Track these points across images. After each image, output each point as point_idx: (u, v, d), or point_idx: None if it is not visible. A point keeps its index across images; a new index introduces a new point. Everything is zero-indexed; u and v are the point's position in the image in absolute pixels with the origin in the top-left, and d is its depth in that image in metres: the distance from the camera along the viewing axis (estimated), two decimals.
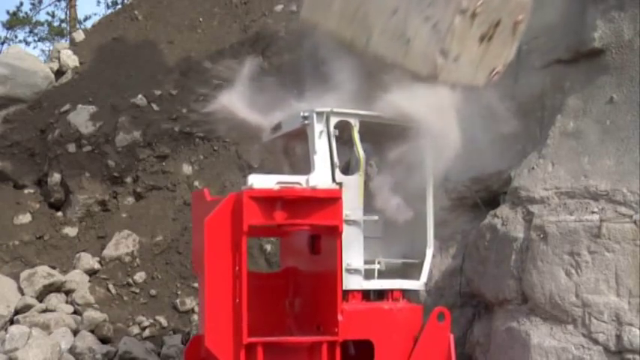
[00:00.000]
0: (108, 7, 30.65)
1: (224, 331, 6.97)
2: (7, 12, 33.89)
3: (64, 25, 30.89)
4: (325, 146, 7.34)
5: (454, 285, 9.36)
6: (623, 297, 7.66)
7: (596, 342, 7.72)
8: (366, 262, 7.45)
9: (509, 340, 8.24)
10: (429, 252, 7.75)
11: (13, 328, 10.95)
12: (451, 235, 9.47)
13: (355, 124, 7.50)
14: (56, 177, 13.82)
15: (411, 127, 7.49)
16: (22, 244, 13.18)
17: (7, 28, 30.85)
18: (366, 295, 7.48)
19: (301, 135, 7.66)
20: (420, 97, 7.45)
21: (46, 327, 11.37)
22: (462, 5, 7.30)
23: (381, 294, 7.57)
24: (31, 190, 14.07)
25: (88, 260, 12.78)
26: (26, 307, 11.76)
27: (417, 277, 7.69)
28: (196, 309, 11.71)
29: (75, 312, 11.99)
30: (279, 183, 7.13)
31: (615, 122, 8.31)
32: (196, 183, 13.28)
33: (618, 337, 7.63)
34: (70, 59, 15.45)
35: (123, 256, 12.83)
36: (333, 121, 7.41)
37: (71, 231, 13.46)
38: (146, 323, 11.93)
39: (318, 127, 7.36)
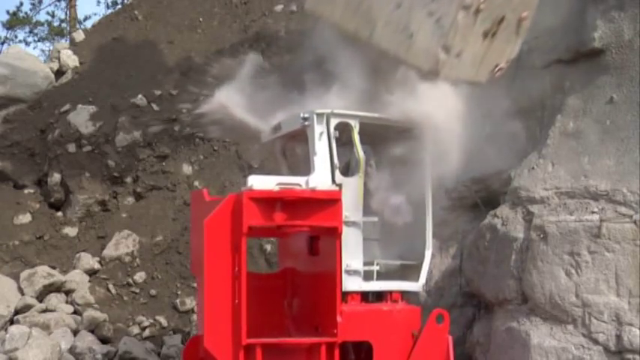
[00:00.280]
0: (108, 7, 30.68)
1: (223, 332, 6.97)
2: (7, 12, 33.93)
3: (64, 25, 30.90)
4: (325, 148, 7.34)
5: (454, 285, 9.36)
6: (623, 297, 7.66)
7: (596, 342, 7.72)
8: (364, 264, 7.44)
9: (509, 340, 8.23)
10: (428, 253, 7.75)
11: (13, 328, 10.96)
12: (451, 235, 9.47)
13: (355, 125, 7.49)
14: (56, 177, 13.83)
15: (411, 129, 7.49)
16: (22, 244, 13.18)
17: (7, 28, 30.90)
18: (364, 296, 7.48)
19: (301, 136, 7.65)
20: (426, 99, 7.44)
21: (46, 327, 11.38)
22: (466, 1, 7.30)
23: (379, 295, 7.57)
24: (31, 190, 14.08)
25: (88, 260, 12.79)
26: (26, 307, 11.76)
27: (416, 278, 7.68)
28: (196, 309, 11.71)
29: (75, 312, 11.99)
30: (278, 184, 7.12)
31: (615, 122, 8.31)
32: (196, 183, 13.28)
33: (618, 337, 7.63)
34: (70, 59, 15.46)
35: (123, 256, 12.83)
36: (333, 122, 7.40)
37: (71, 231, 13.46)
38: (146, 323, 11.94)
39: (319, 128, 7.35)
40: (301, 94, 8.06)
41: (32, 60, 15.63)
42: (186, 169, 13.61)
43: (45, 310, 11.84)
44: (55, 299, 12.05)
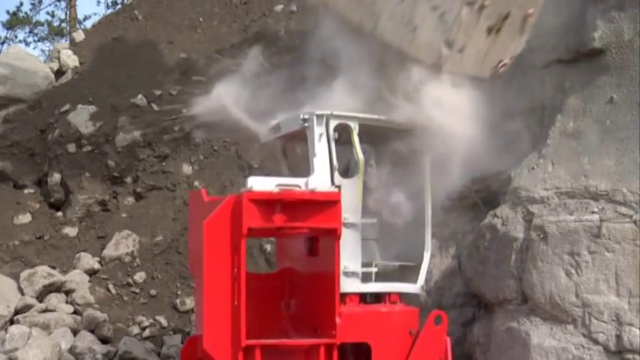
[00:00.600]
0: (108, 7, 30.69)
1: (222, 334, 6.96)
2: (7, 12, 33.92)
3: (64, 25, 30.90)
4: (325, 149, 7.33)
5: (454, 285, 9.36)
6: (623, 297, 7.66)
7: (596, 342, 7.72)
8: (363, 265, 7.44)
9: (509, 340, 8.23)
10: (427, 255, 7.74)
11: (13, 328, 10.96)
12: (451, 235, 9.47)
13: (355, 127, 7.48)
14: (56, 177, 13.83)
15: (411, 130, 7.48)
16: (22, 244, 13.19)
17: (7, 28, 30.91)
18: (362, 297, 7.47)
19: (300, 137, 7.65)
20: (430, 102, 7.44)
21: (46, 327, 11.38)
22: None
23: (378, 296, 7.56)
24: (31, 190, 14.09)
25: (88, 260, 12.79)
26: (26, 307, 11.76)
27: (415, 279, 7.68)
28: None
29: (75, 312, 12.00)
30: (278, 185, 7.12)
31: (615, 122, 8.30)
32: (196, 183, 13.28)
33: (618, 337, 7.63)
34: (70, 59, 15.46)
35: (123, 256, 12.83)
36: (333, 123, 7.39)
37: (71, 231, 13.47)
38: (146, 323, 11.94)
39: (318, 129, 7.34)
40: (302, 94, 8.05)
41: (32, 60, 15.63)
42: (186, 169, 13.61)
43: (45, 310, 11.84)
44: (55, 299, 12.05)
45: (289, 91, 8.29)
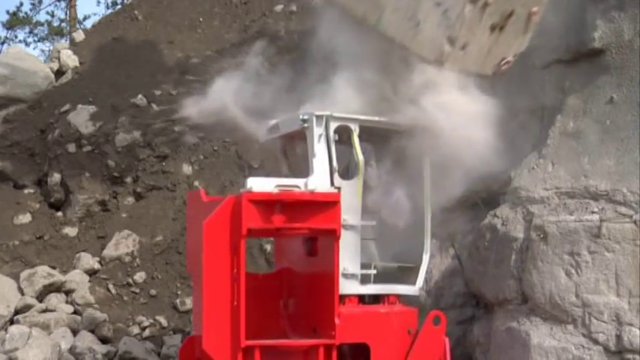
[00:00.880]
0: (108, 7, 30.66)
1: (222, 334, 6.96)
2: (7, 12, 33.89)
3: (63, 25, 30.89)
4: (324, 150, 7.32)
5: (454, 285, 9.36)
6: (623, 297, 7.66)
7: (596, 342, 7.73)
8: (362, 266, 7.43)
9: (509, 340, 8.24)
10: (426, 257, 7.74)
11: (13, 328, 10.96)
12: (451, 235, 9.47)
13: (355, 128, 7.47)
14: (56, 177, 13.83)
15: (411, 132, 7.48)
16: (22, 244, 13.19)
17: (7, 28, 30.90)
18: (361, 298, 7.48)
19: (299, 137, 7.65)
20: (433, 104, 7.43)
21: (46, 327, 11.38)
22: None
23: (376, 297, 7.56)
24: (31, 190, 14.09)
25: (88, 260, 12.79)
26: (26, 307, 11.77)
27: (414, 281, 7.68)
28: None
29: (75, 312, 12.00)
30: (277, 186, 7.11)
31: (615, 122, 8.31)
32: (196, 183, 13.27)
33: (618, 337, 7.63)
34: (70, 59, 15.47)
35: (123, 256, 12.83)
36: (333, 125, 7.38)
37: (71, 231, 13.47)
38: (146, 323, 11.94)
39: (318, 130, 7.34)
40: (302, 94, 8.05)
41: (32, 60, 15.64)
42: (186, 169, 13.61)
43: (45, 310, 11.84)
44: (55, 299, 12.05)
45: (289, 91, 8.28)
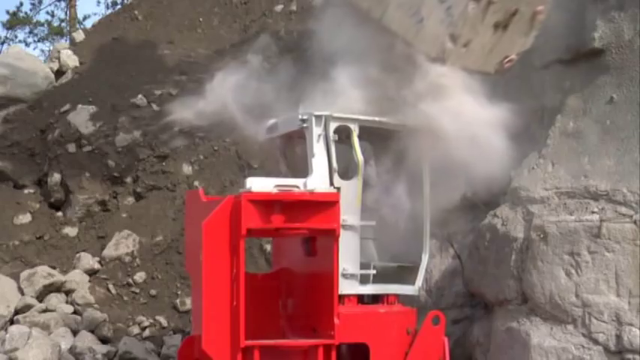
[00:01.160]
0: (108, 7, 30.65)
1: (221, 334, 6.95)
2: (7, 12, 33.85)
3: (63, 25, 30.89)
4: (323, 150, 7.31)
5: (454, 285, 9.35)
6: (623, 297, 7.66)
7: (596, 342, 7.72)
8: (361, 266, 7.43)
9: (509, 340, 8.23)
10: (425, 257, 7.73)
11: (13, 328, 10.97)
12: (451, 235, 9.46)
13: (355, 128, 7.46)
14: (56, 177, 13.84)
15: (411, 132, 7.47)
16: (22, 244, 13.20)
17: (7, 28, 30.89)
18: (360, 298, 7.47)
19: (298, 136, 7.64)
20: (436, 105, 7.43)
21: (46, 327, 11.39)
22: None
23: (375, 297, 7.56)
24: (31, 190, 14.10)
25: (88, 260, 12.79)
26: (26, 307, 11.78)
27: (413, 281, 7.67)
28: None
29: (75, 312, 12.00)
30: (277, 186, 7.11)
31: (615, 122, 8.30)
32: (196, 183, 13.27)
33: (618, 337, 7.63)
34: (70, 59, 15.48)
35: (123, 256, 12.83)
36: (332, 125, 7.37)
37: (71, 231, 13.48)
38: (146, 323, 11.94)
39: (317, 130, 7.32)
40: (302, 93, 8.04)
41: (32, 60, 15.66)
42: (186, 169, 13.61)
43: (45, 310, 11.85)
44: (55, 299, 12.05)
45: (289, 91, 8.27)
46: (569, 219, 8.02)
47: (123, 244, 12.96)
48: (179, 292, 12.27)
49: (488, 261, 8.67)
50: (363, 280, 7.45)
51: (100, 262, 12.86)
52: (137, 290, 12.48)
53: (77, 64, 15.46)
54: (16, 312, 11.71)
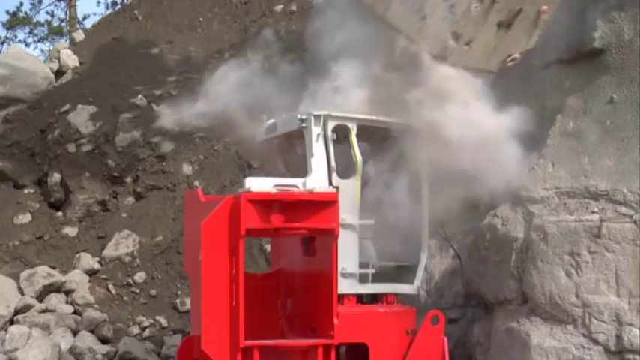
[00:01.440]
0: (108, 7, 30.64)
1: (221, 334, 6.96)
2: (7, 12, 33.90)
3: (63, 25, 30.89)
4: (322, 149, 7.32)
5: (454, 285, 9.34)
6: (623, 297, 7.64)
7: (596, 342, 7.70)
8: (360, 266, 7.43)
9: (509, 340, 8.22)
10: (424, 256, 7.73)
11: (13, 328, 10.98)
12: (451, 235, 9.45)
13: (353, 128, 7.46)
14: (56, 177, 13.85)
15: (410, 131, 7.47)
16: (22, 244, 13.20)
17: (7, 28, 30.89)
18: (360, 297, 7.48)
19: (297, 137, 7.64)
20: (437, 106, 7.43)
21: (46, 327, 11.39)
22: None
23: (375, 297, 7.57)
24: (31, 190, 14.10)
25: (88, 260, 12.80)
26: (26, 307, 11.78)
27: (411, 280, 7.67)
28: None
29: (75, 312, 12.01)
30: (276, 186, 7.11)
31: (615, 122, 8.29)
32: (196, 183, 13.28)
33: (618, 337, 7.61)
34: (70, 59, 15.48)
35: (123, 256, 12.83)
36: (331, 124, 7.38)
37: (71, 231, 13.48)
38: (146, 323, 11.94)
39: (316, 130, 7.33)
40: (302, 93, 8.04)
41: (32, 60, 15.67)
42: (186, 169, 13.62)
43: (45, 310, 11.86)
44: (55, 299, 12.06)
45: (289, 90, 8.27)
46: (569, 219, 8.01)
47: (123, 244, 12.96)
48: (179, 292, 12.27)
49: (488, 261, 8.66)
50: (362, 279, 7.45)
51: (100, 262, 12.87)
52: (137, 290, 12.48)
53: (77, 64, 15.47)
54: (16, 312, 11.72)
